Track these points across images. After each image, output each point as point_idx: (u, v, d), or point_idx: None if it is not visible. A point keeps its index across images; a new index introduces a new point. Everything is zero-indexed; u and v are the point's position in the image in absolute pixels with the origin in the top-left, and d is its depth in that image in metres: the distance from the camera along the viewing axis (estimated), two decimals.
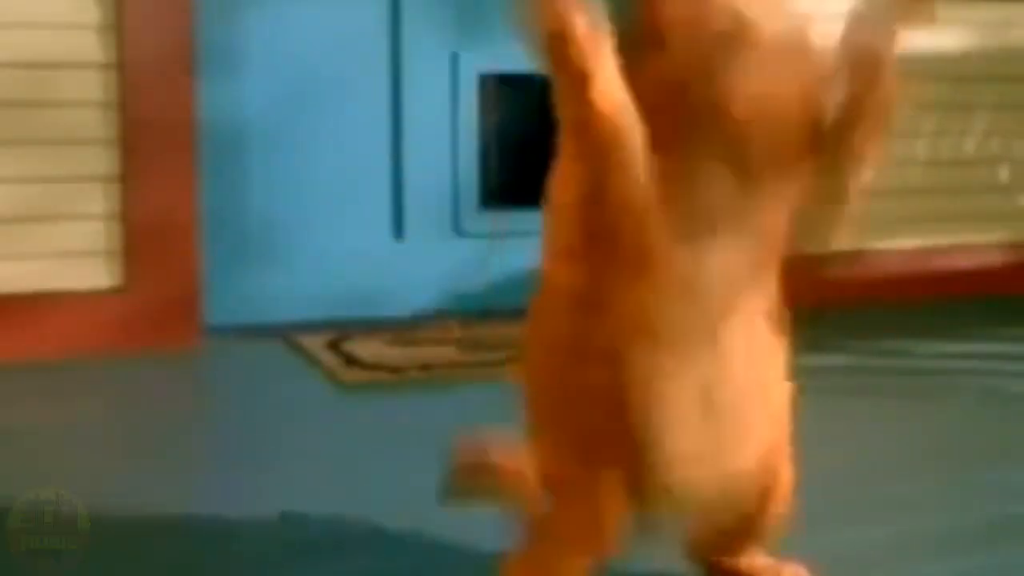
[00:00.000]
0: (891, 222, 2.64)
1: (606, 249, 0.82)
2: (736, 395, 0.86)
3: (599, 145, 0.77)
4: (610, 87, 0.76)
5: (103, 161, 2.00)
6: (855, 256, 2.58)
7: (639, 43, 0.83)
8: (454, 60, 2.35)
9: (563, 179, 0.86)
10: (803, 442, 1.44)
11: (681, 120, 0.81)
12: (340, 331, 2.15)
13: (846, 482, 1.33)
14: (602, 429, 0.84)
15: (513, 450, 1.00)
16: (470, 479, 1.03)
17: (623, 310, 0.83)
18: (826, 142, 0.84)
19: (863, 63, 0.81)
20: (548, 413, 0.88)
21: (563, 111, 0.78)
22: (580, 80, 0.75)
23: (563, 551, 0.87)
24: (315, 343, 2.04)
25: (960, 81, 2.68)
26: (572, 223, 0.84)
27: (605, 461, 0.85)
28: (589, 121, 0.76)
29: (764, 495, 0.93)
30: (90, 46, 1.98)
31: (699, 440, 0.85)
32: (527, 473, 0.98)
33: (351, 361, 1.91)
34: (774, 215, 0.85)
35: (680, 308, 0.83)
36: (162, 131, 2.01)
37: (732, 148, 0.81)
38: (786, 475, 0.95)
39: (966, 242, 2.71)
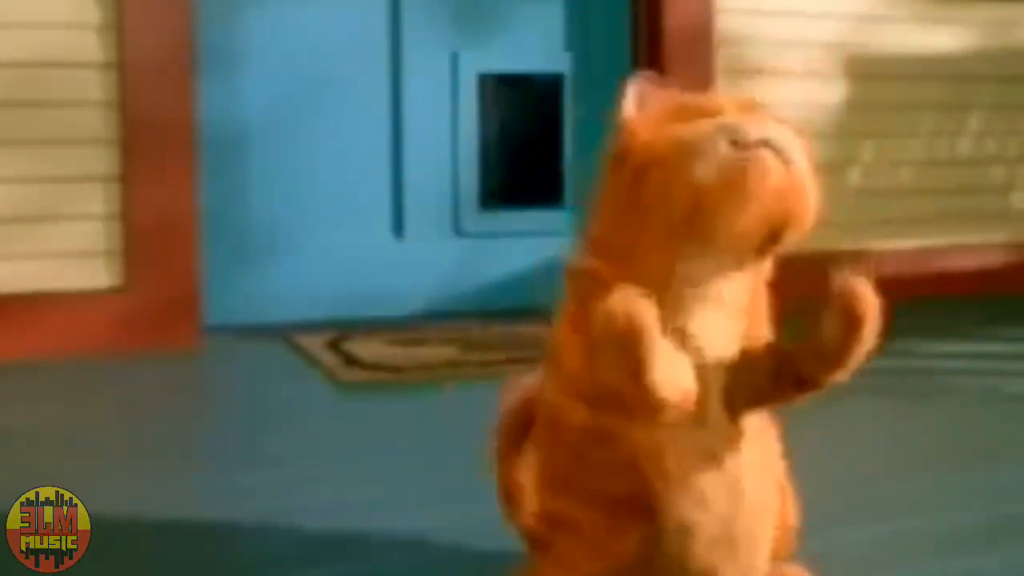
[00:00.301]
0: (890, 222, 2.64)
1: (618, 405, 0.84)
2: (750, 498, 0.88)
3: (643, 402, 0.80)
4: (662, 374, 0.79)
5: (103, 161, 2.00)
6: (856, 256, 2.58)
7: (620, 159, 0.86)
8: (454, 60, 2.35)
9: (572, 346, 0.88)
10: (803, 442, 1.44)
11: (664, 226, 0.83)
12: (340, 331, 2.15)
13: (846, 482, 1.33)
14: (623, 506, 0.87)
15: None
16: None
17: (635, 445, 0.85)
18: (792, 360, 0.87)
19: (848, 310, 0.83)
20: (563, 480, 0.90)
21: (608, 376, 0.80)
22: (638, 371, 0.78)
23: None
24: (315, 343, 2.04)
25: (959, 81, 2.68)
26: (581, 378, 0.85)
27: (625, 525, 0.87)
28: (639, 395, 0.79)
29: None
30: (90, 46, 1.98)
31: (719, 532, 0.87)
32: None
33: (351, 361, 1.91)
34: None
35: (687, 434, 0.85)
36: (162, 131, 2.01)
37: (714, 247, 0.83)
38: (789, 519, 0.95)
39: (966, 242, 2.71)
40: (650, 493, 0.85)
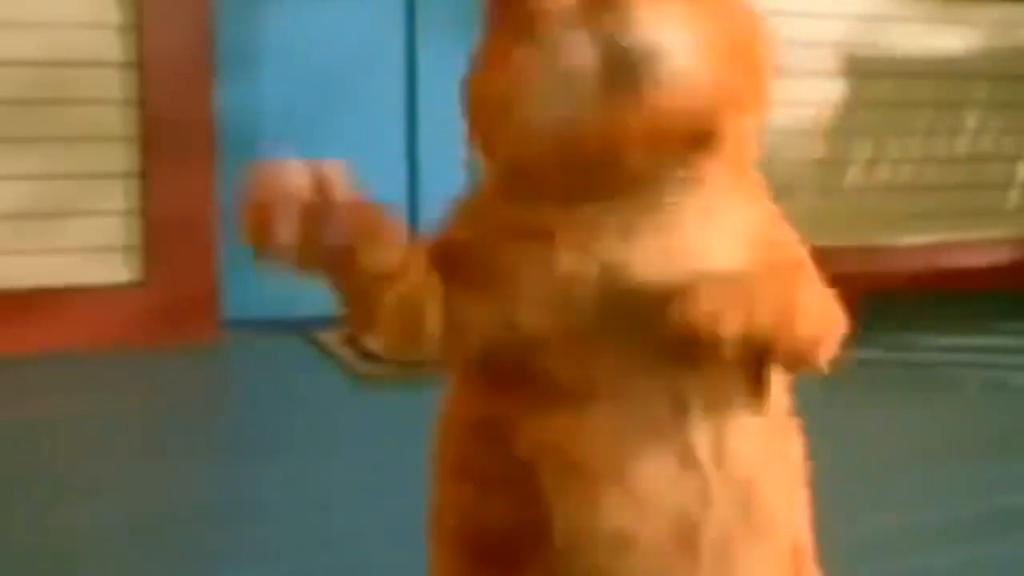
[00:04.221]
0: (902, 218, 2.65)
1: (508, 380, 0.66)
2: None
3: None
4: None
5: (123, 158, 2.02)
6: (866, 252, 2.59)
7: None
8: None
9: None
10: (813, 433, 1.46)
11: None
12: None
13: (855, 473, 1.34)
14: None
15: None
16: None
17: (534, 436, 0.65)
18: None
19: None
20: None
21: None
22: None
23: None
24: (332, 337, 2.06)
25: (975, 79, 2.69)
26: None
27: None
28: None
29: None
30: (111, 45, 2.00)
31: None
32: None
33: (368, 355, 1.92)
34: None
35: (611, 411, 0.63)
36: (181, 128, 2.03)
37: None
38: None
39: (975, 238, 2.72)
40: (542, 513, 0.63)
